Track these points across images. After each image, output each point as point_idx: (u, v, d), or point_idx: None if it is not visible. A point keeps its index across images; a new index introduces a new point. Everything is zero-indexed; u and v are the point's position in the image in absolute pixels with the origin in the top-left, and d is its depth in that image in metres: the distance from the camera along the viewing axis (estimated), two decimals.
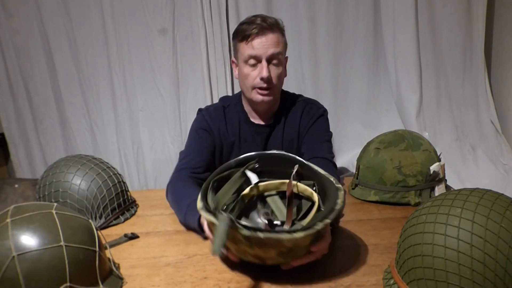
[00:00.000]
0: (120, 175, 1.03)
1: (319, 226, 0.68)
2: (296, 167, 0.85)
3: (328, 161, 1.09)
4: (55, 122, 1.72)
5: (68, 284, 0.60)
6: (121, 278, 0.73)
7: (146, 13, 1.56)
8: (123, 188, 1.03)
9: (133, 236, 0.90)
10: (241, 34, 1.08)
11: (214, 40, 1.55)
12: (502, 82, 1.55)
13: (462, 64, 1.56)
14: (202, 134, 1.15)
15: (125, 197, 1.03)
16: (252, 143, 1.16)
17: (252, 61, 1.08)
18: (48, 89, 1.68)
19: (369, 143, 1.10)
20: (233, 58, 1.18)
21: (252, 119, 1.18)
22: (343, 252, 0.80)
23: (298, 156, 0.89)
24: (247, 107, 1.19)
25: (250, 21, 1.08)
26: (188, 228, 0.95)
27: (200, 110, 1.21)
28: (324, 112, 1.20)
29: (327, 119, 1.20)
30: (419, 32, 1.50)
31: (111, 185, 0.98)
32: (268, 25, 1.07)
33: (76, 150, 1.71)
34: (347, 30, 1.57)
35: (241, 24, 1.11)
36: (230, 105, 1.20)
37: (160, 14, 1.56)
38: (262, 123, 1.18)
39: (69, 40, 1.61)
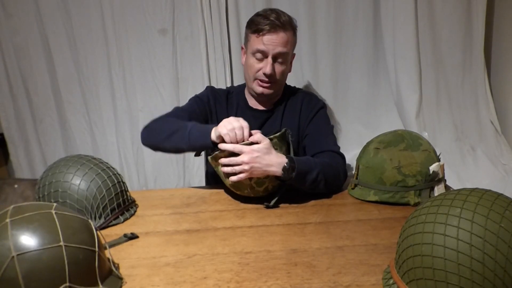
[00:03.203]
0: (119, 175, 1.03)
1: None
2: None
3: (336, 154, 1.14)
4: (55, 122, 1.72)
5: (67, 284, 0.60)
6: (121, 278, 0.73)
7: (146, 13, 1.56)
8: (123, 188, 1.03)
9: (133, 236, 0.90)
10: (254, 26, 1.13)
11: (214, 40, 1.55)
12: (502, 82, 1.55)
13: (462, 64, 1.55)
14: (198, 102, 1.23)
15: (125, 197, 1.03)
16: None
17: (259, 55, 1.14)
18: (48, 89, 1.68)
19: (368, 143, 1.10)
20: (242, 45, 1.24)
21: (251, 105, 1.25)
22: (343, 252, 0.80)
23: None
24: (248, 94, 1.26)
25: (265, 15, 1.12)
26: (194, 145, 1.05)
27: (207, 87, 1.30)
28: (324, 105, 1.27)
29: (326, 112, 1.26)
30: (419, 32, 1.50)
31: (110, 185, 0.97)
32: (281, 23, 1.11)
33: (75, 150, 1.71)
34: (347, 30, 1.57)
35: (257, 15, 1.15)
36: (234, 92, 1.28)
37: (160, 14, 1.56)
38: (261, 108, 1.24)
39: (69, 40, 1.61)
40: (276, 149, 1.02)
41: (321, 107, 1.25)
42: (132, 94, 1.65)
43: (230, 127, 0.97)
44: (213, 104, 1.24)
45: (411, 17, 1.48)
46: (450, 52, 1.55)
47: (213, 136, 1.01)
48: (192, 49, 1.59)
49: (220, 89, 1.31)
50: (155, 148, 1.15)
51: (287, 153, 1.06)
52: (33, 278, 0.58)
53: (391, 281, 0.65)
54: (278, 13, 1.13)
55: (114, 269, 0.72)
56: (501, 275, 0.52)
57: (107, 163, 1.03)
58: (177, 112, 1.20)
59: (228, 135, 0.97)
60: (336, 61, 1.61)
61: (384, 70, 1.61)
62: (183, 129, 1.06)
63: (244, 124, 0.99)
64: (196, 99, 1.26)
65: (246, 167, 0.97)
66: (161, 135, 1.09)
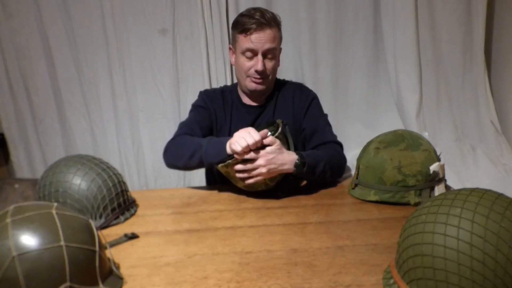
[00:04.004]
0: (120, 175, 1.03)
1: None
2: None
3: (336, 144, 1.21)
4: (55, 122, 1.73)
5: (68, 284, 0.60)
6: (121, 278, 0.73)
7: (146, 13, 1.56)
8: (123, 188, 1.03)
9: (133, 236, 0.90)
10: (241, 27, 1.16)
11: (214, 40, 1.55)
12: (502, 82, 1.55)
13: (462, 64, 1.56)
14: (200, 110, 1.26)
15: (125, 197, 1.03)
16: (242, 122, 1.25)
17: (249, 54, 1.17)
18: (48, 89, 1.68)
19: (369, 143, 1.10)
20: (230, 45, 1.27)
21: (244, 101, 1.28)
22: (343, 252, 0.80)
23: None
24: (241, 92, 1.29)
25: (249, 15, 1.15)
26: (212, 162, 1.07)
27: (200, 92, 1.32)
28: (315, 95, 1.31)
29: (319, 101, 1.30)
30: (419, 32, 1.50)
31: (111, 185, 0.97)
32: (267, 20, 1.15)
33: (76, 150, 1.71)
34: (347, 30, 1.57)
35: (241, 15, 1.18)
36: (228, 90, 1.31)
37: (160, 14, 1.56)
38: (254, 104, 1.27)
39: (69, 40, 1.61)
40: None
41: (313, 97, 1.28)
42: (132, 94, 1.65)
43: (244, 144, 0.99)
44: (211, 105, 1.27)
45: (411, 17, 1.48)
46: (450, 52, 1.55)
47: (229, 150, 1.04)
48: (192, 49, 1.59)
49: (214, 89, 1.34)
50: (181, 169, 1.21)
51: (287, 146, 1.09)
52: (33, 278, 0.58)
53: (391, 281, 0.65)
54: (262, 11, 1.16)
55: (114, 269, 0.72)
56: (501, 275, 0.52)
57: (107, 163, 1.03)
58: (189, 127, 1.22)
59: (244, 152, 1.00)
60: (336, 61, 1.61)
61: (384, 70, 1.61)
62: (199, 150, 1.09)
63: (257, 137, 1.00)
64: (196, 108, 1.28)
65: (263, 170, 1.01)
66: (182, 159, 1.14)
